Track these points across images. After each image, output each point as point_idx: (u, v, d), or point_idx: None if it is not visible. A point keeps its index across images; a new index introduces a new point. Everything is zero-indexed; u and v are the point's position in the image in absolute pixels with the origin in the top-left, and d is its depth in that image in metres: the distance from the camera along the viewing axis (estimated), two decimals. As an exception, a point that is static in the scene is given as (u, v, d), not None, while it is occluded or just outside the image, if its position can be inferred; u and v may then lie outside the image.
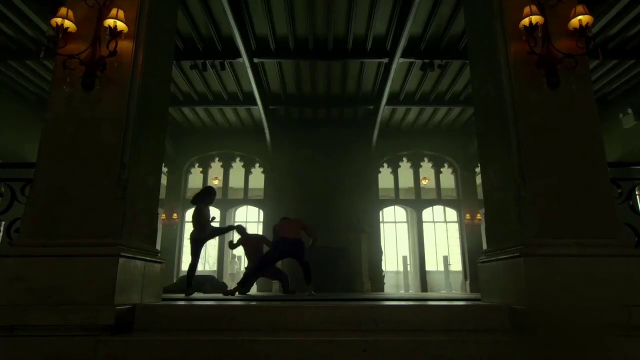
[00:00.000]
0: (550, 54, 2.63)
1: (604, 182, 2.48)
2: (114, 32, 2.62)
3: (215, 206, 12.97)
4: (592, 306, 2.24)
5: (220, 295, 5.23)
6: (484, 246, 13.02)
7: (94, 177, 2.49)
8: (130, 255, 2.48)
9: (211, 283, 8.15)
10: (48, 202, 2.44)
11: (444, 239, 15.79)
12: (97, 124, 2.59)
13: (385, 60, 8.44)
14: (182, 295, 4.95)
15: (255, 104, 9.97)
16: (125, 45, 2.71)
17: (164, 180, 13.05)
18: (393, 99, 10.17)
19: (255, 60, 8.41)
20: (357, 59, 8.52)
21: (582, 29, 2.58)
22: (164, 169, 12.58)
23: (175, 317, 2.48)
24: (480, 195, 12.87)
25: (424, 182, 13.33)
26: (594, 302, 2.25)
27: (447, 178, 12.71)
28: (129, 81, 2.66)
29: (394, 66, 8.34)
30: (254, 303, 2.75)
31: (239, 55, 8.09)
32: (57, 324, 2.16)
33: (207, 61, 8.34)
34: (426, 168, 12.64)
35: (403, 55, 8.09)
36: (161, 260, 2.94)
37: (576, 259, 2.31)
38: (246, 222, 16.23)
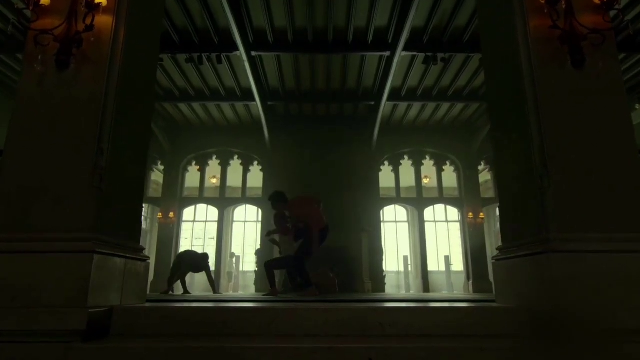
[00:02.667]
0: (574, 29, 2.38)
1: (636, 170, 2.22)
2: (91, 5, 2.37)
3: (213, 205, 12.74)
4: (625, 309, 1.99)
5: (213, 296, 4.98)
6: (487, 246, 12.85)
7: (68, 165, 2.23)
8: (108, 252, 2.23)
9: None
10: (16, 193, 2.19)
11: (445, 238, 15.55)
12: (72, 106, 2.33)
13: (387, 53, 8.19)
14: (174, 296, 4.71)
15: (254, 99, 9.72)
16: (104, 21, 2.45)
17: (160, 178, 12.79)
18: (394, 95, 9.92)
19: (253, 53, 8.16)
20: (358, 53, 8.28)
21: (610, 1, 2.33)
22: (160, 167, 12.33)
23: (160, 320, 2.23)
24: (483, 194, 12.64)
25: (425, 181, 13.08)
26: (628, 304, 2.00)
27: (449, 177, 12.45)
28: (108, 60, 2.40)
29: (395, 60, 8.08)
30: (247, 305, 2.50)
31: (236, 48, 7.84)
32: (21, 329, 1.91)
33: (203, 54, 8.09)
34: (428, 166, 12.39)
35: (405, 49, 7.84)
36: (145, 258, 2.68)
37: (607, 256, 2.05)
38: (245, 221, 16.01)
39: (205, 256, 7.85)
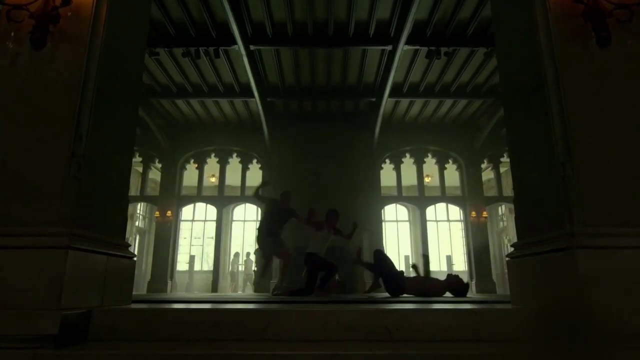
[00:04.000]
0: (599, 4, 2.17)
1: (669, 157, 2.02)
2: (69, -23, 2.16)
3: (211, 204, 12.53)
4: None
5: (209, 296, 4.76)
6: (491, 245, 12.63)
7: (43, 151, 2.03)
8: (86, 248, 2.02)
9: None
10: (-15, 182, 1.98)
11: (446, 238, 15.36)
12: (48, 87, 2.12)
13: (389, 47, 7.97)
14: (164, 296, 4.49)
15: (253, 96, 9.49)
16: (84, -5, 2.24)
17: (157, 176, 12.58)
18: (396, 91, 9.69)
19: (252, 47, 7.94)
20: (359, 46, 8.06)
21: (640, -29, 2.12)
22: (158, 165, 12.11)
23: (144, 324, 2.02)
24: (486, 192, 12.43)
25: (426, 180, 12.86)
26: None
27: (452, 175, 12.23)
28: (88, 38, 2.20)
29: (398, 53, 7.87)
30: (240, 306, 2.29)
31: (234, 42, 7.63)
32: (-16, 333, 1.70)
33: (200, 48, 7.88)
34: (430, 164, 12.17)
35: (408, 42, 7.63)
36: (131, 255, 2.47)
37: (640, 252, 1.85)
38: (244, 220, 15.79)
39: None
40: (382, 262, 5.39)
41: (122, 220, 2.46)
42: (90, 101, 2.13)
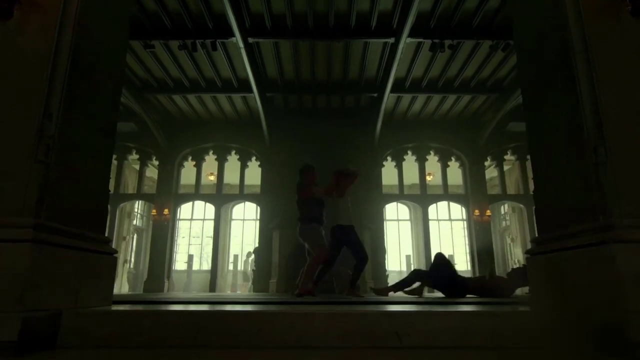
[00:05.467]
0: (633, -30, 1.93)
1: None
2: (39, -62, 1.93)
3: (210, 202, 12.29)
4: None
5: (204, 296, 4.51)
6: (495, 243, 12.38)
7: (8, 131, 1.79)
8: (56, 242, 1.79)
9: None
10: (-59, 168, 1.75)
11: (448, 237, 15.14)
12: (16, 61, 1.89)
13: (391, 40, 7.73)
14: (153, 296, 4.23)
15: (251, 91, 9.26)
16: (57, -40, 2.01)
17: (154, 174, 12.34)
18: (398, 86, 9.45)
19: (250, 40, 7.70)
20: (360, 39, 7.81)
21: None
22: (155, 162, 11.87)
23: (122, 328, 1.79)
24: (490, 191, 12.17)
25: (428, 179, 12.62)
26: None
27: (454, 173, 11.99)
28: (60, 7, 1.96)
29: (400, 46, 7.63)
30: (229, 308, 2.06)
31: (232, 35, 7.39)
32: None
33: (197, 41, 7.63)
34: (432, 162, 11.92)
35: (411, 34, 7.38)
36: (111, 252, 2.24)
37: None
38: (243, 219, 15.56)
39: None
40: (444, 267, 4.96)
41: (100, 212, 2.23)
42: (62, 77, 1.90)
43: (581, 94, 1.87)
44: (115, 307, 2.17)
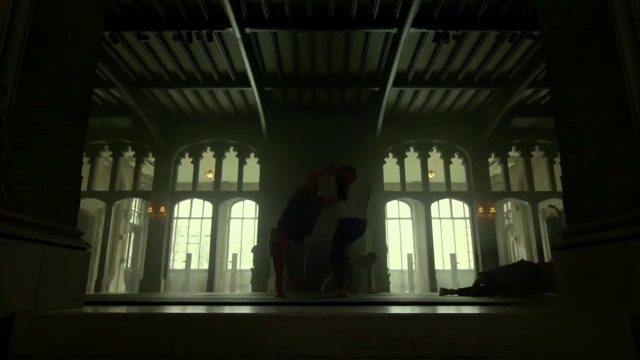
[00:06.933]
0: None
1: None
2: None
3: (207, 199, 12.01)
4: None
5: (197, 296, 4.25)
6: (499, 241, 12.11)
7: (-47, 107, 1.53)
8: (12, 234, 1.52)
9: None
10: None
11: (450, 236, 14.88)
12: (-36, 25, 1.62)
13: (394, 30, 7.46)
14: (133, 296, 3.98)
15: (249, 85, 9.00)
16: None
17: (150, 171, 12.08)
18: (400, 80, 9.18)
19: (247, 30, 7.43)
20: (361, 29, 7.54)
21: None
22: (151, 159, 11.61)
23: (88, 334, 1.52)
24: (493, 187, 11.90)
25: (430, 177, 12.35)
26: None
27: (457, 169, 11.72)
28: (20, -38, 1.70)
29: (403, 37, 7.36)
30: (215, 311, 1.79)
31: (229, 25, 7.13)
32: None
33: (192, 31, 7.37)
34: (434, 158, 11.65)
35: (414, 24, 7.12)
36: (83, 246, 1.97)
37: None
38: (242, 218, 15.28)
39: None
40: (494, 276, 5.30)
41: (70, 202, 1.96)
42: (19, 45, 1.64)
43: (625, 65, 1.60)
44: (86, 309, 1.91)
